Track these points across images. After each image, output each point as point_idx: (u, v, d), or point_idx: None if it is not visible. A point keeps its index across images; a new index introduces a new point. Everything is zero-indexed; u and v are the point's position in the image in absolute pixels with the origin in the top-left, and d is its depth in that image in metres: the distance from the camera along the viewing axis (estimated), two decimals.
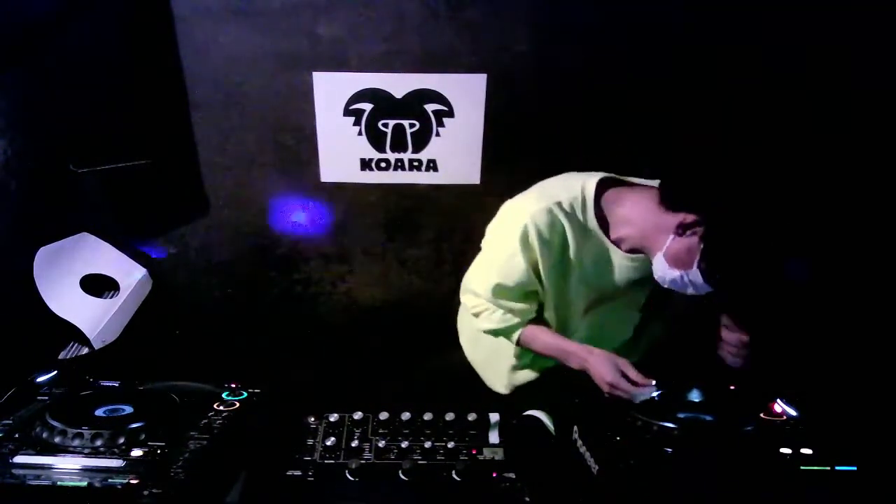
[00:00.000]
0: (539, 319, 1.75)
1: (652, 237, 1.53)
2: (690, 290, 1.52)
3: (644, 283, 1.66)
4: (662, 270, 1.53)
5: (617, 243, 1.62)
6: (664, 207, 1.50)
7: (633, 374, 1.53)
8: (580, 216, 1.60)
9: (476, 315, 1.78)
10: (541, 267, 1.63)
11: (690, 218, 1.45)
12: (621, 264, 1.64)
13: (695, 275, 1.48)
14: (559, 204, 1.59)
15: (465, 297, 1.86)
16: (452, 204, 2.24)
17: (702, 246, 1.45)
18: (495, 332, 1.76)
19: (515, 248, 1.60)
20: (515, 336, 1.73)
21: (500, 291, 1.68)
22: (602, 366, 1.56)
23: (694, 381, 1.57)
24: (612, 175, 1.67)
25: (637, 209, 1.56)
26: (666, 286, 1.56)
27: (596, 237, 1.62)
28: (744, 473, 1.25)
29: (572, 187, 1.62)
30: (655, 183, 1.59)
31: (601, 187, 1.62)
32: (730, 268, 1.46)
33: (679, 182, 1.51)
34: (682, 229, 1.46)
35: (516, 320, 1.71)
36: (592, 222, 1.61)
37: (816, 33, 1.97)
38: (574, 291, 1.70)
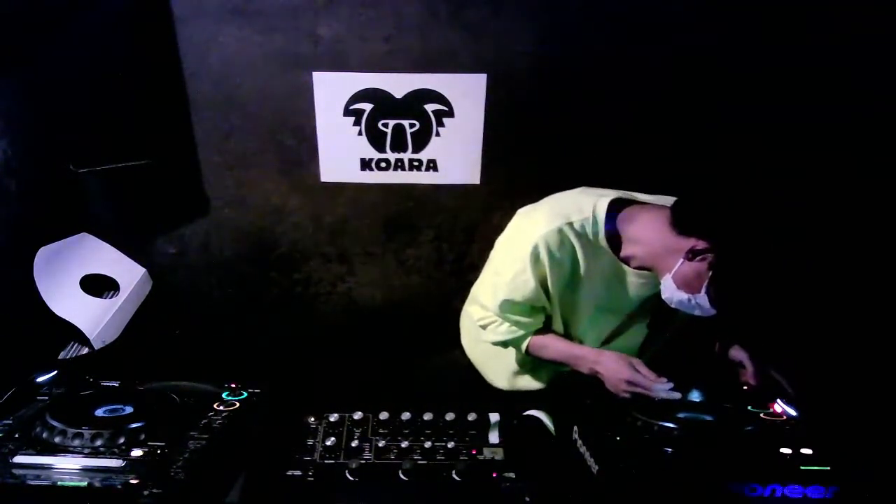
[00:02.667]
0: (546, 328, 1.75)
1: (662, 258, 1.52)
2: (697, 312, 1.52)
3: (652, 301, 1.65)
4: (670, 292, 1.52)
5: (626, 261, 1.61)
6: (675, 231, 1.49)
7: (647, 371, 1.54)
8: (591, 236, 1.59)
9: (483, 327, 1.77)
10: (550, 284, 1.63)
11: (701, 244, 1.44)
12: (632, 282, 1.63)
13: (702, 299, 1.47)
14: (570, 224, 1.58)
15: (472, 308, 1.87)
16: (452, 204, 2.23)
17: (710, 273, 1.44)
18: (503, 344, 1.76)
19: (525, 266, 1.60)
20: (524, 346, 1.74)
21: (508, 306, 1.68)
22: (616, 365, 1.57)
23: (694, 381, 1.57)
24: (624, 194, 1.67)
25: (649, 230, 1.55)
26: (673, 306, 1.56)
27: (607, 257, 1.61)
28: (744, 473, 1.25)
29: (584, 207, 1.61)
30: (668, 201, 1.58)
31: (613, 207, 1.61)
32: (738, 296, 1.46)
33: (691, 208, 1.50)
34: (691, 254, 1.45)
35: (522, 332, 1.71)
36: (603, 242, 1.60)
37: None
38: (583, 308, 1.70)
